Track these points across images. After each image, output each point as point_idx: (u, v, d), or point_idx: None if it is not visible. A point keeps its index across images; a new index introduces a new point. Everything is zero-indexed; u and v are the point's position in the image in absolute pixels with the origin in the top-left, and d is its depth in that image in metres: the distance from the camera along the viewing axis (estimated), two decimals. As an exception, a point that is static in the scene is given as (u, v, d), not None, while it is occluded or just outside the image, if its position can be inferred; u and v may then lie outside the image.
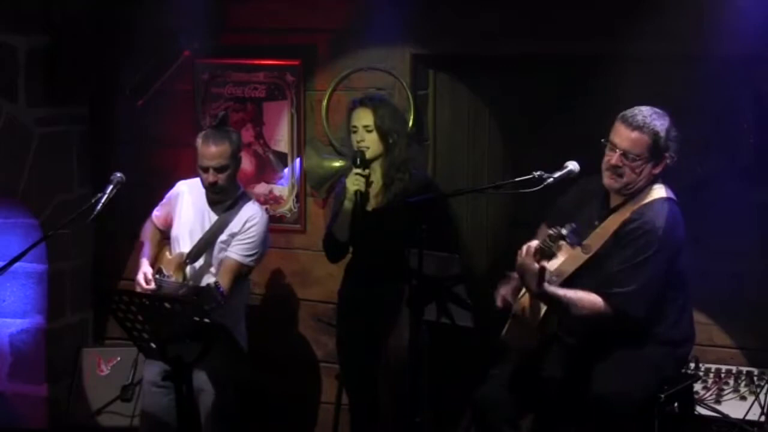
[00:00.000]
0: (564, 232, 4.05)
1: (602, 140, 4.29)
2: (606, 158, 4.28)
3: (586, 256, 4.27)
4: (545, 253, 4.11)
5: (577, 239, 4.13)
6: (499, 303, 4.47)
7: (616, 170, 4.26)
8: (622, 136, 4.23)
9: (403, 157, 4.96)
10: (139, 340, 4.38)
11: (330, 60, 5.56)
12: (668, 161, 4.27)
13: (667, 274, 4.24)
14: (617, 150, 4.24)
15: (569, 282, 4.26)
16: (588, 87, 5.24)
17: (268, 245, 5.09)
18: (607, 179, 4.30)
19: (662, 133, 4.22)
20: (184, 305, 4.26)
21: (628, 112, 4.26)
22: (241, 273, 4.94)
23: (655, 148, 4.22)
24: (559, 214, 4.42)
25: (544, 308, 4.30)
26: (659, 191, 4.30)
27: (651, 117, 4.23)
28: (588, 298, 4.18)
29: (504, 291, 4.47)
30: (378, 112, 4.92)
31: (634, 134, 4.21)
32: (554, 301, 4.18)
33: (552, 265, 4.23)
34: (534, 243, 4.15)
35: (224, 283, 4.80)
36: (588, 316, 4.18)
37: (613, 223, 4.29)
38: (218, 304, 4.65)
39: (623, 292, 4.17)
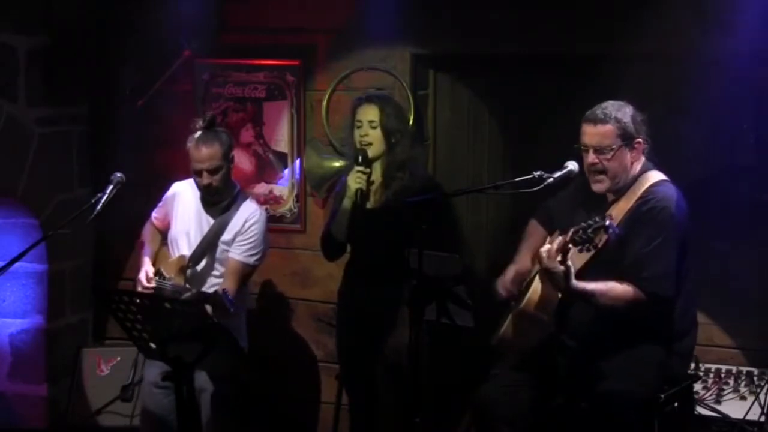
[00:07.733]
0: (607, 222, 4.01)
1: (575, 146, 4.32)
2: (585, 162, 4.31)
3: (593, 251, 4.26)
4: (583, 243, 4.06)
5: (617, 229, 4.10)
6: (502, 293, 4.47)
7: (596, 169, 4.28)
8: (590, 134, 4.29)
9: (404, 157, 4.96)
10: (139, 340, 4.37)
11: (330, 60, 5.56)
12: (644, 146, 4.30)
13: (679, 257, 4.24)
14: (590, 149, 4.28)
15: (579, 276, 4.23)
16: (587, 87, 5.23)
17: (269, 244, 5.09)
18: (594, 185, 4.32)
19: (626, 119, 4.26)
20: (185, 306, 4.23)
21: (589, 112, 4.32)
22: (246, 273, 4.93)
23: (625, 135, 4.26)
24: (556, 215, 4.43)
25: (554, 304, 4.28)
26: (657, 175, 4.33)
27: (610, 108, 4.28)
28: (618, 287, 4.17)
29: (506, 280, 4.48)
30: (385, 110, 4.94)
31: (599, 128, 4.26)
32: (584, 296, 4.17)
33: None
34: (546, 248, 4.11)
35: (230, 286, 4.79)
36: (619, 305, 4.17)
37: (617, 213, 4.28)
38: (227, 313, 4.64)
39: (652, 275, 4.16)
